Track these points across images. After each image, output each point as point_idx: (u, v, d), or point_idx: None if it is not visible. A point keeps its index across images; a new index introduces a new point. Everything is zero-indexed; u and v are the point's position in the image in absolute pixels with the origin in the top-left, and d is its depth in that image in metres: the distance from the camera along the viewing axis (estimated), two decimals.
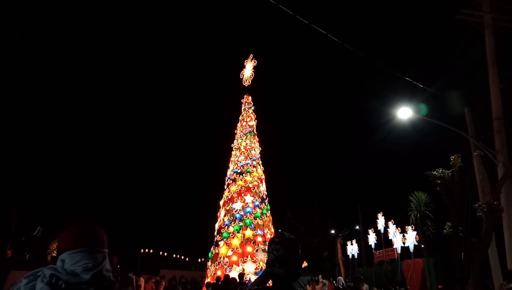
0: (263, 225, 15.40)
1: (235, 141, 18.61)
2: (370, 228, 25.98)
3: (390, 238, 22.34)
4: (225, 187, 17.13)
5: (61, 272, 1.60)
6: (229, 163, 17.99)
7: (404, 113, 10.86)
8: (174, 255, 48.84)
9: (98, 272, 1.66)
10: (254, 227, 15.03)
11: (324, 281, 17.96)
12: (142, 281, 15.91)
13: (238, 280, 9.98)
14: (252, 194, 16.00)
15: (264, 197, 16.71)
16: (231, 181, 16.82)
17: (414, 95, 12.23)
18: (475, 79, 11.65)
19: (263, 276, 2.23)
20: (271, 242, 2.20)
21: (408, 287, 17.30)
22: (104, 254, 1.76)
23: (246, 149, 17.73)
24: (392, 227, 22.22)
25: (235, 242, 14.55)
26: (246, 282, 11.64)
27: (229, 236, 14.82)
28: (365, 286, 16.99)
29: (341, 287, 16.42)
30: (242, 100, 20.01)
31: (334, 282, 18.55)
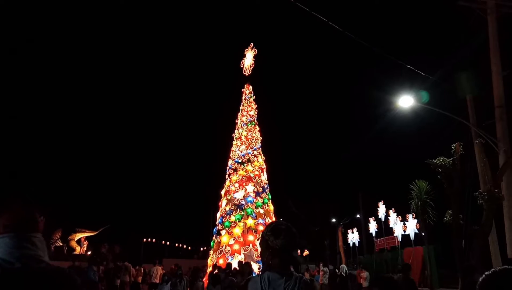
0: (264, 214, 15.48)
1: (236, 130, 18.57)
2: (371, 217, 26.13)
3: (390, 226, 22.47)
4: (227, 177, 17.17)
5: None
6: (230, 153, 18.00)
7: (406, 101, 10.80)
8: (177, 244, 49.31)
9: (31, 258, 1.54)
10: (256, 216, 15.11)
11: (325, 269, 18.12)
12: (159, 269, 16.00)
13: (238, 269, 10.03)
14: (254, 184, 16.04)
15: (265, 186, 16.75)
16: (232, 171, 16.84)
17: (416, 84, 12.15)
18: (477, 67, 11.55)
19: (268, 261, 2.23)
20: (265, 234, 2.23)
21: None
22: (33, 240, 1.62)
23: (247, 138, 17.71)
24: (392, 215, 22.34)
25: (237, 231, 14.64)
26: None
27: (230, 225, 14.91)
28: (366, 273, 17.15)
29: (344, 275, 16.56)
30: (242, 90, 19.91)
31: (336, 270, 18.72)
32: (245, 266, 9.66)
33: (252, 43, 19.95)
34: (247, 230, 14.64)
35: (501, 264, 10.43)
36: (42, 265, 1.55)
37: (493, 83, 10.06)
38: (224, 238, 14.73)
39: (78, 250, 27.02)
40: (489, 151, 10.52)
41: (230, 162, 17.55)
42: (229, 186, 16.54)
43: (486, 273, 1.47)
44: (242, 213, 15.09)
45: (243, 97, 19.57)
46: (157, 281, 15.02)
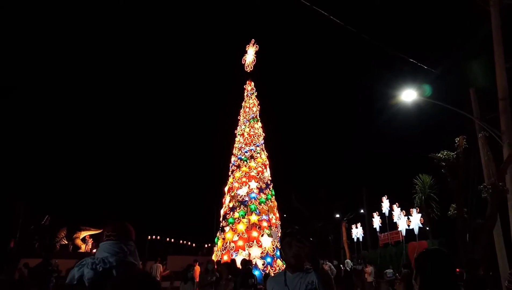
0: (268, 210, 15.50)
1: (238, 127, 18.55)
2: (375, 211, 26.05)
3: (394, 221, 22.39)
4: (230, 174, 17.18)
5: None
6: (233, 150, 17.99)
7: (409, 95, 10.74)
8: (181, 241, 49.47)
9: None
10: (259, 212, 15.12)
11: (329, 264, 18.13)
12: (160, 267, 15.40)
13: (240, 267, 9.79)
14: (257, 180, 16.04)
15: (269, 182, 16.75)
16: (236, 168, 16.85)
17: (419, 77, 12.08)
18: (481, 59, 11.46)
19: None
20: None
21: (413, 269, 17.43)
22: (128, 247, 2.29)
23: (249, 135, 17.69)
24: (396, 210, 22.24)
25: (241, 227, 14.66)
26: (253, 266, 11.58)
27: (234, 222, 14.94)
28: (370, 268, 17.15)
29: (349, 270, 16.55)
30: (244, 86, 19.87)
31: (341, 265, 18.70)
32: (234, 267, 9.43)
33: (253, 39, 19.90)
34: (251, 226, 14.67)
35: (506, 257, 10.40)
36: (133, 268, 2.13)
37: (497, 75, 9.95)
38: (228, 234, 14.76)
39: (83, 248, 27.18)
40: (493, 144, 10.45)
41: (233, 158, 17.55)
42: (232, 182, 16.55)
43: None
44: (246, 209, 15.11)
45: (245, 94, 19.54)
46: (158, 279, 14.79)
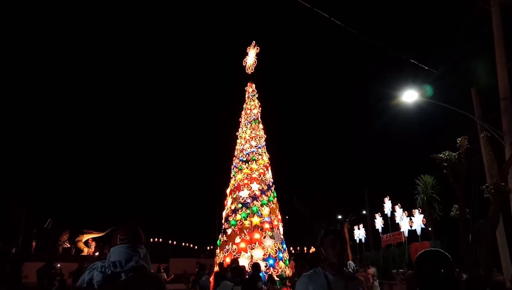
0: (270, 212, 15.49)
1: (239, 129, 18.56)
2: (377, 212, 26.02)
3: (397, 221, 22.35)
4: (231, 176, 17.18)
5: None
6: (234, 152, 18.00)
7: (410, 96, 10.73)
8: (183, 244, 49.44)
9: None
10: (261, 214, 15.11)
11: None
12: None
13: (250, 270, 9.70)
14: (258, 182, 16.04)
15: (270, 184, 16.74)
16: (237, 170, 16.85)
17: (420, 78, 12.08)
18: (482, 59, 11.46)
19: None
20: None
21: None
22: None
23: (251, 137, 17.70)
24: (399, 211, 22.20)
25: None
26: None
27: (236, 224, 14.93)
28: (373, 270, 17.11)
29: (352, 271, 16.52)
30: (245, 88, 19.89)
31: (344, 268, 18.63)
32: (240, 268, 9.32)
33: (254, 41, 19.91)
34: (253, 228, 14.65)
35: (509, 258, 10.37)
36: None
37: (498, 75, 9.95)
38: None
39: (86, 251, 27.21)
40: (495, 144, 10.44)
41: (234, 161, 17.56)
42: (234, 184, 16.55)
43: None
44: (248, 211, 15.09)
45: (246, 96, 19.55)
46: None
